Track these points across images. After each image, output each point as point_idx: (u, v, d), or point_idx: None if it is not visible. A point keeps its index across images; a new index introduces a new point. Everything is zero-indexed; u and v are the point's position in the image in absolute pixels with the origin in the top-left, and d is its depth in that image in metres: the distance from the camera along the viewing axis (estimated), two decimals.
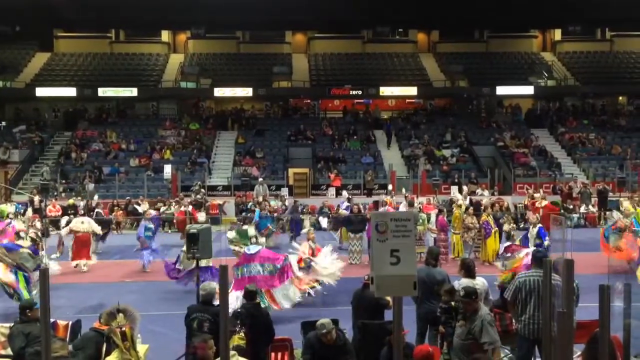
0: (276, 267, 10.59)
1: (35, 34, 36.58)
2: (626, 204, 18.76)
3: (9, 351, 7.24)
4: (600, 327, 4.09)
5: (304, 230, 15.91)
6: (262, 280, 10.40)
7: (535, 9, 30.13)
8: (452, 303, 7.11)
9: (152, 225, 15.62)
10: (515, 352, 7.14)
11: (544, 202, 21.36)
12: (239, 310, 7.36)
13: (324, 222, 22.51)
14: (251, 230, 13.58)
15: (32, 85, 34.28)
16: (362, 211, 18.52)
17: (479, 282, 7.69)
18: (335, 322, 7.94)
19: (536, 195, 23.34)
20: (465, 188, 24.00)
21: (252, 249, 11.13)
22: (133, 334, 6.29)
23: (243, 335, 7.06)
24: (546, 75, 36.16)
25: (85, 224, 15.58)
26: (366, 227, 16.65)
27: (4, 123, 33.38)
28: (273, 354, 7.51)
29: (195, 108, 35.92)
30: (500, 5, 29.48)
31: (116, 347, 6.14)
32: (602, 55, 39.21)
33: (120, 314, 6.42)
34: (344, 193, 23.60)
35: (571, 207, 24.36)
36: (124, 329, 6.18)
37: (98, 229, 15.98)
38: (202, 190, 26.01)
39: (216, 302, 7.36)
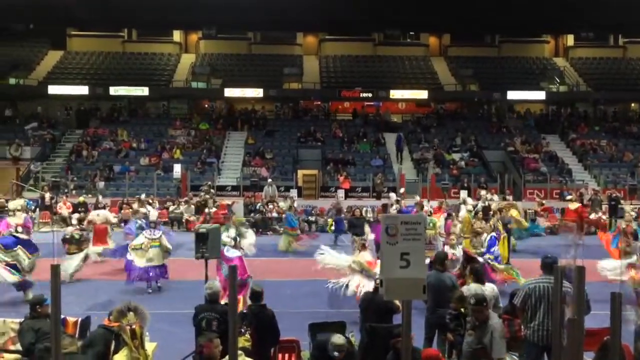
0: (240, 281, 10.05)
1: (49, 32, 36.88)
2: None
3: (18, 346, 7.29)
4: (612, 335, 4.05)
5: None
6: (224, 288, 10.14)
7: (547, 14, 30.00)
8: (462, 310, 7.08)
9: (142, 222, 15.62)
10: (524, 358, 7.10)
11: (575, 205, 21.25)
12: (244, 311, 7.36)
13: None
14: (232, 232, 13.67)
15: (45, 83, 34.54)
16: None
17: (488, 288, 7.65)
18: (342, 325, 7.94)
19: (568, 197, 23.25)
20: (483, 192, 23.81)
21: (231, 253, 10.81)
22: (142, 332, 6.30)
23: (249, 336, 7.05)
24: (558, 80, 36.01)
25: (101, 216, 16.48)
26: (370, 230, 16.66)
27: (16, 120, 33.59)
28: (280, 355, 7.50)
29: (229, 111, 35.75)
30: (512, 9, 29.35)
31: (125, 344, 6.16)
32: (614, 61, 39.02)
33: (131, 313, 6.43)
34: (392, 195, 23.37)
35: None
36: (133, 327, 6.20)
37: (112, 219, 16.75)
38: (212, 190, 26.06)
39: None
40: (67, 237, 14.30)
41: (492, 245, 12.95)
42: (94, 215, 16.63)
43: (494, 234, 13.84)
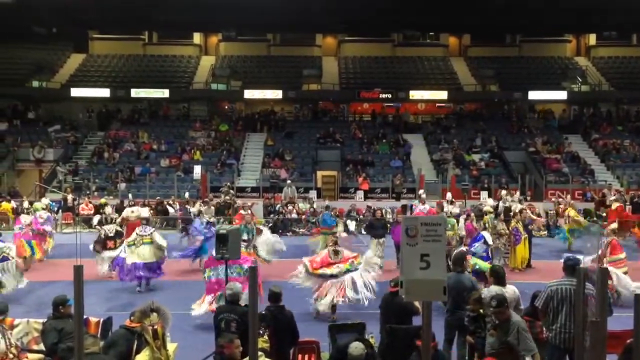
0: (244, 269, 10.06)
1: (71, 35, 37.33)
2: None
3: (42, 346, 7.39)
4: (635, 337, 4.00)
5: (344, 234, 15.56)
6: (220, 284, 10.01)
7: (569, 14, 29.70)
8: (480, 311, 7.04)
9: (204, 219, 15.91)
10: None
11: (616, 205, 20.95)
12: (263, 312, 7.39)
13: (351, 225, 22.47)
14: None
15: (67, 85, 34.99)
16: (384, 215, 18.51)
17: (509, 290, 7.57)
18: (362, 326, 7.93)
19: (611, 198, 22.93)
20: (503, 192, 23.56)
21: None
22: (164, 333, 6.33)
23: (267, 338, 7.07)
24: (580, 80, 35.58)
25: (135, 212, 16.64)
26: (388, 232, 16.65)
27: (39, 122, 34.07)
28: (300, 356, 7.51)
29: (271, 115, 35.80)
30: (533, 9, 29.12)
31: (147, 344, 6.20)
32: (637, 60, 38.40)
33: (154, 313, 6.47)
34: (448, 195, 23.28)
35: (604, 214, 23.88)
36: (155, 327, 6.23)
37: (146, 214, 16.88)
38: (231, 191, 26.20)
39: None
40: (111, 235, 14.52)
41: (477, 240, 12.87)
42: (128, 212, 16.77)
43: (485, 232, 13.71)
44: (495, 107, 36.67)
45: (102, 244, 14.35)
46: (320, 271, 10.68)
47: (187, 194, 24.53)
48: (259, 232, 14.64)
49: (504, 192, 23.52)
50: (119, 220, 15.90)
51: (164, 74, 37.15)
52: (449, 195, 22.50)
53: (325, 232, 18.60)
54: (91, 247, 14.54)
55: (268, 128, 34.18)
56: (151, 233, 13.62)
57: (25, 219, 16.43)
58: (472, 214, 17.53)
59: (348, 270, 10.69)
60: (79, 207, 23.16)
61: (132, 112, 35.39)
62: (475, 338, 7.00)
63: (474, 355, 7.08)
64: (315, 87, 35.80)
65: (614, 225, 13.47)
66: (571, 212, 19.30)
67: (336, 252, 10.97)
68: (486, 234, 13.47)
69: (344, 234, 15.08)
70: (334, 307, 10.65)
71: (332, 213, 18.93)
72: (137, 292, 13.10)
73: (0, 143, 31.38)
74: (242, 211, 19.24)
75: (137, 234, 13.58)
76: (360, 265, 10.73)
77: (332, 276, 10.62)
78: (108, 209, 22.56)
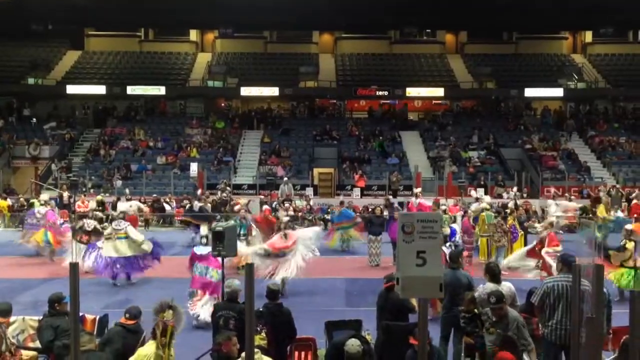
0: (219, 275, 9.97)
1: (67, 32, 37.21)
2: None
3: (37, 344, 7.38)
4: (631, 334, 4.01)
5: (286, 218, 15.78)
6: (200, 282, 10.31)
7: (565, 11, 29.71)
8: (475, 311, 7.03)
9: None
10: (542, 357, 7.04)
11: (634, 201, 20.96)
12: (260, 309, 7.38)
13: None
14: (204, 230, 13.80)
15: (63, 82, 34.89)
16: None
17: (505, 287, 7.58)
18: (358, 323, 7.93)
19: (633, 195, 22.92)
20: (506, 193, 23.47)
21: (203, 250, 10.75)
22: (173, 332, 6.27)
23: (264, 335, 7.06)
24: (576, 77, 35.62)
25: (133, 207, 17.06)
26: (385, 229, 16.65)
27: (35, 119, 33.97)
28: (296, 353, 7.51)
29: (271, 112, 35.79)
30: (529, 6, 29.13)
31: (154, 338, 6.15)
32: (634, 57, 38.47)
33: (170, 310, 6.41)
34: (473, 193, 23.09)
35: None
36: (167, 324, 6.18)
37: (145, 208, 16.69)
38: (228, 188, 26.15)
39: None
40: (88, 229, 14.52)
41: (453, 234, 12.95)
42: (126, 206, 16.78)
43: (455, 225, 13.72)
44: (492, 104, 36.71)
45: (79, 235, 14.38)
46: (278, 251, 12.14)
47: (199, 191, 24.52)
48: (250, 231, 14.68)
49: (508, 192, 23.49)
50: (115, 214, 15.83)
51: (160, 71, 37.07)
52: (472, 192, 22.49)
53: (344, 227, 18.69)
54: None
55: (264, 125, 34.15)
56: (125, 228, 13.60)
57: (41, 210, 16.69)
58: (470, 211, 17.56)
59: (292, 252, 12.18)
60: (75, 205, 23.07)
61: (128, 109, 35.30)
62: (474, 338, 7.00)
63: (474, 356, 7.06)
64: (312, 84, 35.77)
65: (552, 219, 13.81)
66: (601, 209, 19.34)
67: (285, 235, 12.42)
68: (457, 227, 13.60)
69: (286, 218, 15.46)
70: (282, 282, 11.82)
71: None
72: (112, 285, 13.17)
73: None
74: (263, 212, 19.01)
75: (112, 228, 13.61)
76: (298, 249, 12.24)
77: (284, 255, 12.09)
78: (92, 204, 22.43)
